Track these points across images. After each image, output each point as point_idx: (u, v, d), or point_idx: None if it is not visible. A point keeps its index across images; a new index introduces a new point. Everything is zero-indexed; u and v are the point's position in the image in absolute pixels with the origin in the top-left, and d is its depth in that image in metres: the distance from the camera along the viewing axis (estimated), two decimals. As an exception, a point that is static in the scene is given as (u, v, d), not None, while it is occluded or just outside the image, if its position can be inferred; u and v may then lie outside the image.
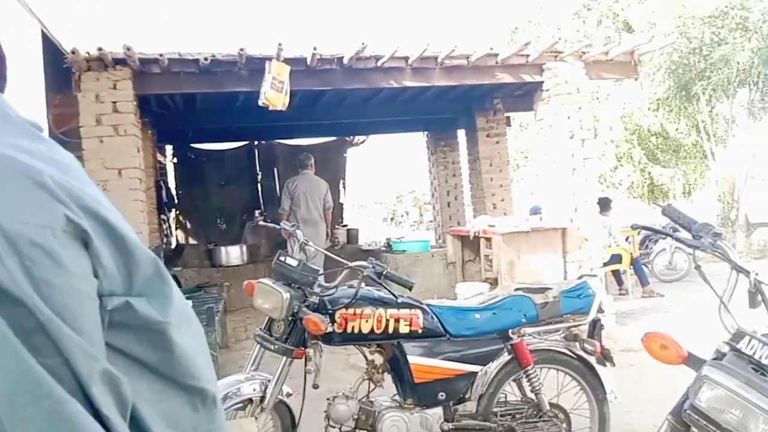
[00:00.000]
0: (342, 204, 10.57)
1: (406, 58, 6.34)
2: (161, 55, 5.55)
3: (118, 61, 5.48)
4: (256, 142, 9.91)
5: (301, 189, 7.21)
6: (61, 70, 5.36)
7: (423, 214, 20.01)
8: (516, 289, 2.92)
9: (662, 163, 14.55)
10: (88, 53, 5.43)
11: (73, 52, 5.25)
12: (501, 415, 2.79)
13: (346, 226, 9.72)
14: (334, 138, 10.30)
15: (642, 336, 1.96)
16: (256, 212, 9.27)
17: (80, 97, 5.40)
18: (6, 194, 0.63)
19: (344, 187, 10.56)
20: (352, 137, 10.50)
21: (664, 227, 7.65)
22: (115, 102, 5.44)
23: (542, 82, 6.68)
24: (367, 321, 2.63)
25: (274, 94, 5.63)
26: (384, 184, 23.00)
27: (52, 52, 5.22)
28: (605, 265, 7.28)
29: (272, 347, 2.60)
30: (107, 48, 5.35)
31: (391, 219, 21.61)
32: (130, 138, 5.44)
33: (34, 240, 0.62)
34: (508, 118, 9.32)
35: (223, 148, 10.11)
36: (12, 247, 0.61)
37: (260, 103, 5.66)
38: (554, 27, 15.70)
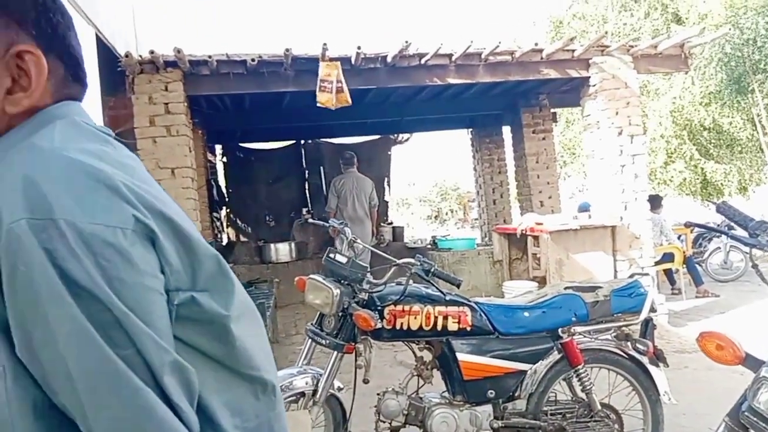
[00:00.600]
0: (387, 202, 10.61)
1: (450, 56, 6.32)
2: (210, 57, 5.69)
3: (169, 64, 5.64)
4: (302, 141, 10.04)
5: (348, 187, 7.29)
6: (115, 73, 5.54)
7: (468, 212, 19.89)
8: (566, 288, 2.88)
9: (716, 159, 14.09)
10: (140, 56, 5.60)
11: (126, 56, 5.42)
12: (551, 414, 2.76)
13: (391, 223, 9.74)
14: (378, 136, 10.35)
15: (697, 336, 1.92)
16: (304, 210, 9.39)
17: (134, 99, 5.58)
18: (80, 197, 0.67)
19: (389, 185, 10.60)
20: (396, 135, 10.52)
21: (718, 225, 7.40)
22: (167, 103, 5.60)
23: (589, 77, 6.56)
24: (415, 318, 2.65)
25: (323, 95, 5.71)
26: (428, 182, 22.98)
27: (106, 56, 5.40)
28: (657, 264, 7.10)
29: (323, 342, 2.64)
30: (159, 51, 5.51)
31: (436, 217, 21.55)
32: (182, 138, 5.59)
33: (107, 240, 0.66)
34: (554, 113, 9.18)
35: (271, 147, 10.28)
36: (87, 247, 0.65)
37: (318, 104, 5.78)
38: (600, 21, 15.40)
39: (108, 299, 0.66)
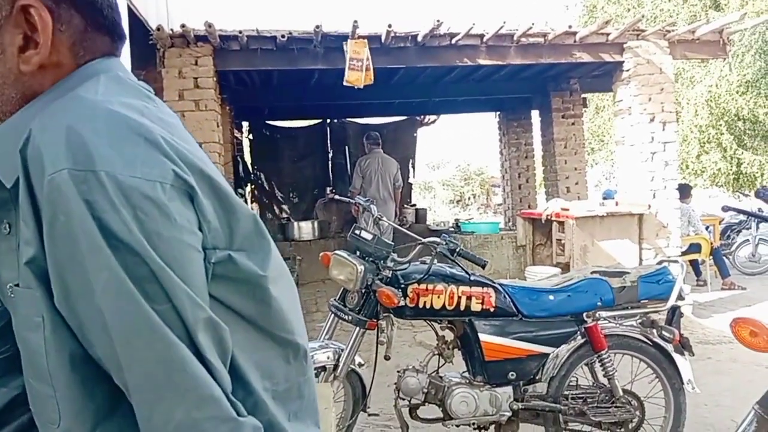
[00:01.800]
0: (411, 184, 10.57)
1: (481, 36, 6.24)
2: (240, 32, 5.69)
3: (200, 38, 5.65)
4: (328, 121, 10.03)
5: (373, 168, 7.29)
6: (146, 47, 5.57)
7: (491, 197, 19.77)
8: (592, 272, 2.85)
9: (751, 150, 13.76)
10: (172, 30, 5.62)
11: (158, 29, 5.45)
12: (572, 399, 2.75)
13: (414, 205, 9.73)
14: (404, 117, 10.29)
15: (731, 321, 1.88)
16: (327, 189, 9.41)
17: (164, 72, 5.61)
18: (120, 150, 0.66)
19: (413, 167, 10.55)
20: (422, 116, 10.45)
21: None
22: (196, 78, 5.63)
23: (622, 61, 6.43)
24: (438, 297, 2.65)
25: (353, 74, 5.68)
26: (452, 166, 22.84)
27: (138, 29, 5.43)
28: (683, 254, 7.00)
29: (346, 317, 2.65)
30: (190, 25, 5.53)
31: (458, 201, 21.44)
32: (210, 113, 5.63)
33: (145, 193, 0.65)
34: (584, 99, 9.04)
35: (297, 126, 10.29)
36: (126, 199, 0.64)
37: (345, 83, 5.74)
38: (635, 5, 15.06)
39: (145, 252, 0.65)
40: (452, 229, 8.00)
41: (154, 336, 0.66)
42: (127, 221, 0.64)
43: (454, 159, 22.86)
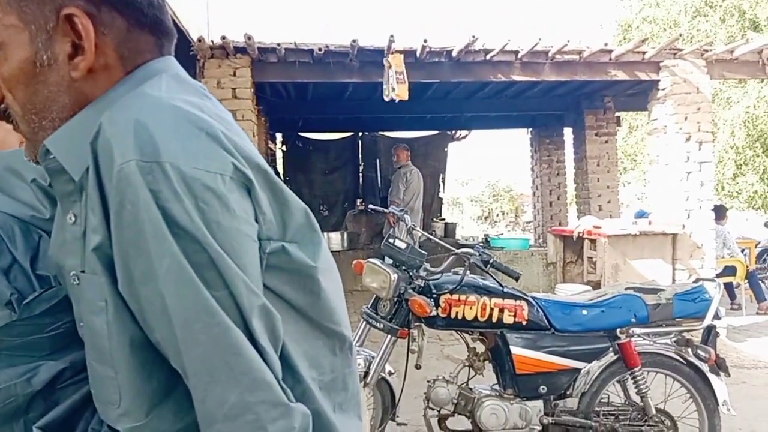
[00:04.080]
0: (441, 198, 10.58)
1: (516, 52, 6.26)
2: (278, 45, 5.80)
3: (239, 50, 5.78)
4: (360, 134, 10.12)
5: (415, 180, 7.42)
6: (186, 57, 5.71)
7: (520, 215, 19.63)
8: (627, 288, 2.83)
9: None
10: (212, 41, 5.76)
11: (199, 40, 5.58)
12: (603, 415, 2.72)
13: (443, 219, 9.72)
14: (436, 132, 10.32)
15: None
16: (357, 201, 9.48)
17: (203, 82, 5.74)
18: (184, 143, 0.70)
19: (443, 182, 10.56)
20: (454, 131, 10.48)
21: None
22: (234, 88, 5.75)
23: (658, 80, 6.38)
24: (471, 308, 2.65)
25: (400, 87, 5.75)
26: (481, 182, 22.76)
27: (179, 40, 5.55)
28: (718, 276, 6.86)
29: (378, 325, 2.67)
30: (229, 37, 5.66)
31: (486, 218, 21.33)
32: (246, 123, 5.73)
33: (207, 184, 0.69)
34: (618, 117, 8.98)
35: (329, 138, 10.40)
36: (189, 189, 0.68)
37: (387, 98, 5.79)
38: (671, 25, 14.92)
39: (205, 240, 0.68)
40: (482, 245, 7.98)
41: (212, 320, 0.69)
42: (190, 210, 0.67)
43: (483, 175, 22.79)
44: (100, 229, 0.71)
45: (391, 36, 5.77)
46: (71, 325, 0.84)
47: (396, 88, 5.70)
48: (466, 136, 10.58)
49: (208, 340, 0.69)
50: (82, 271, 0.75)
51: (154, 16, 0.82)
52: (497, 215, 21.32)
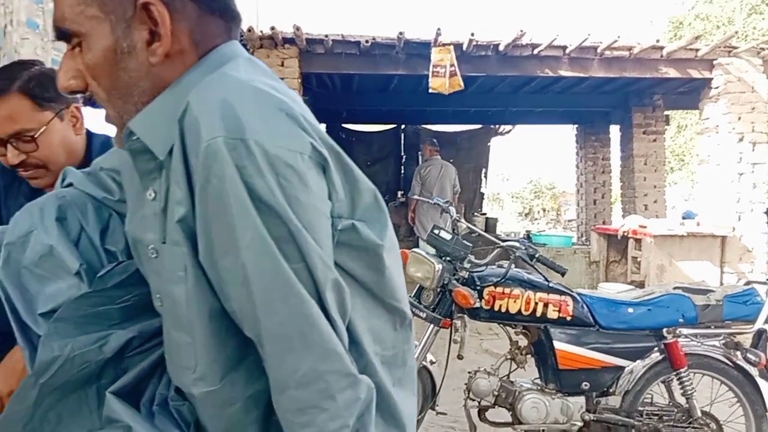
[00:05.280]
0: (482, 193, 10.52)
1: (564, 48, 6.19)
2: (326, 36, 5.86)
3: (287, 40, 5.86)
4: (402, 126, 10.12)
5: (433, 174, 7.31)
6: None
7: (561, 213, 19.35)
8: (675, 288, 2.78)
9: None
10: (261, 32, 5.85)
11: (249, 30, 5.68)
12: (646, 415, 2.68)
13: (485, 214, 9.67)
14: (479, 126, 10.26)
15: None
16: (399, 193, 9.49)
17: (252, 72, 5.83)
18: (267, 122, 0.73)
19: (485, 177, 10.49)
20: (497, 126, 10.39)
21: None
22: (282, 78, 5.69)
23: (711, 78, 6.23)
24: (515, 301, 2.65)
25: (435, 80, 5.75)
26: (522, 178, 22.51)
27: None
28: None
29: (421, 315, 2.69)
30: (278, 27, 5.74)
31: (527, 214, 21.09)
32: (293, 113, 5.80)
33: (288, 162, 0.72)
34: (667, 116, 8.77)
35: (372, 130, 10.43)
36: (272, 166, 0.71)
37: (430, 90, 5.82)
38: (725, 22, 14.48)
39: (286, 215, 0.71)
40: (524, 239, 7.91)
41: (290, 291, 0.72)
42: (272, 186, 0.71)
43: (525, 171, 22.53)
44: (185, 201, 0.75)
45: (438, 29, 5.77)
46: (140, 297, 0.89)
47: (430, 81, 5.71)
48: (509, 131, 10.48)
49: (285, 309, 0.73)
50: (163, 243, 0.79)
51: (224, 2, 0.86)
52: (538, 212, 21.06)
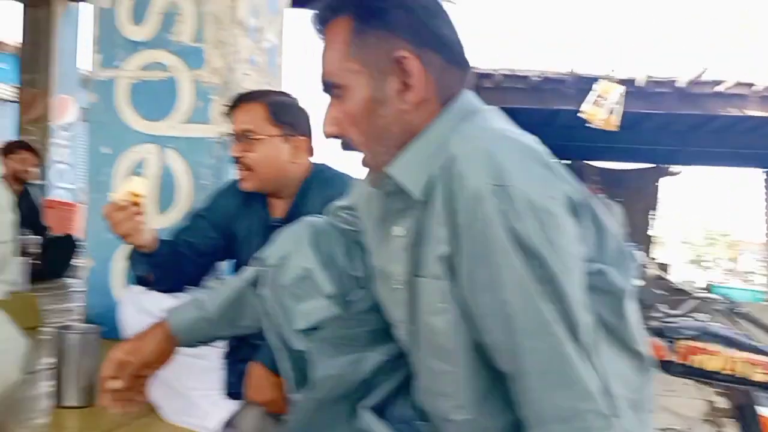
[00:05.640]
0: (651, 236, 9.88)
1: (751, 84, 5.71)
2: (495, 71, 5.90)
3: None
4: (566, 162, 9.83)
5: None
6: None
7: (738, 262, 17.61)
8: None
9: None
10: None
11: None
12: None
13: (655, 259, 9.05)
14: (650, 165, 9.68)
15: None
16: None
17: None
18: (526, 170, 0.78)
19: (654, 219, 9.86)
20: (668, 165, 9.75)
21: None
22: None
23: None
24: (713, 358, 2.42)
25: (593, 109, 5.57)
26: (691, 222, 20.86)
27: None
28: None
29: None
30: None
31: (699, 262, 19.42)
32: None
33: (547, 207, 0.76)
34: None
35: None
36: (533, 212, 0.75)
37: (580, 114, 5.66)
38: None
39: (545, 257, 0.75)
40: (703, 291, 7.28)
41: (549, 330, 0.75)
42: (533, 230, 0.75)
43: (695, 216, 20.85)
44: (447, 241, 0.80)
45: (612, 69, 5.59)
46: (384, 322, 0.97)
47: (587, 107, 5.51)
48: (680, 171, 9.81)
49: (544, 348, 0.75)
50: (416, 276, 0.86)
51: (460, 52, 0.93)
52: (710, 261, 19.32)
